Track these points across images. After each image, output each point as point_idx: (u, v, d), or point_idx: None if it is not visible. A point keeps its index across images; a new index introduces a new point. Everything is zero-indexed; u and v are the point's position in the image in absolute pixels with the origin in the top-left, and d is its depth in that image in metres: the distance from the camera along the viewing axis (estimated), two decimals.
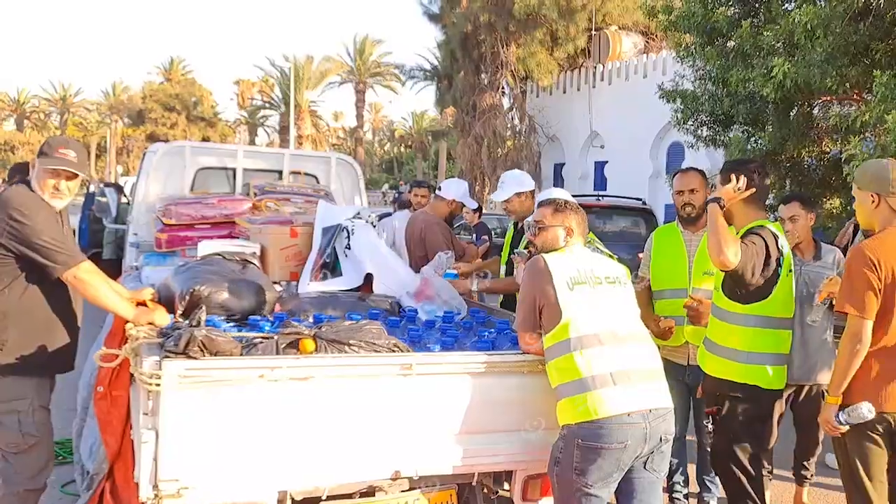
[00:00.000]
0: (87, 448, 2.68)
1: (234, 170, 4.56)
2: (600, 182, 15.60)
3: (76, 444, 2.94)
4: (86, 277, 2.27)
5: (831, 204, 7.16)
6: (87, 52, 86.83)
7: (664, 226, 3.20)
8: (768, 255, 2.34)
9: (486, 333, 2.51)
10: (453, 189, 3.90)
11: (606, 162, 15.65)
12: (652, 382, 2.06)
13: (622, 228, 8.78)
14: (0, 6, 76.18)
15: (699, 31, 6.92)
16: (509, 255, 3.45)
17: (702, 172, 2.99)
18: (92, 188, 8.56)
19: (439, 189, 3.96)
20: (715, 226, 2.33)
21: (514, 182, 3.35)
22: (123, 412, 2.43)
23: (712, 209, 2.39)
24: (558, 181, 16.76)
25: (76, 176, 2.37)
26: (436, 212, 3.88)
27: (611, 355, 2.03)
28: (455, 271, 3.31)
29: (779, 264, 2.37)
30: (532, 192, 3.42)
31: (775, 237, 2.38)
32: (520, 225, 3.43)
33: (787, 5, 6.23)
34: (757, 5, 6.73)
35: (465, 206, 4.05)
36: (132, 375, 2.30)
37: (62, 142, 2.41)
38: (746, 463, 2.44)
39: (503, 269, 3.47)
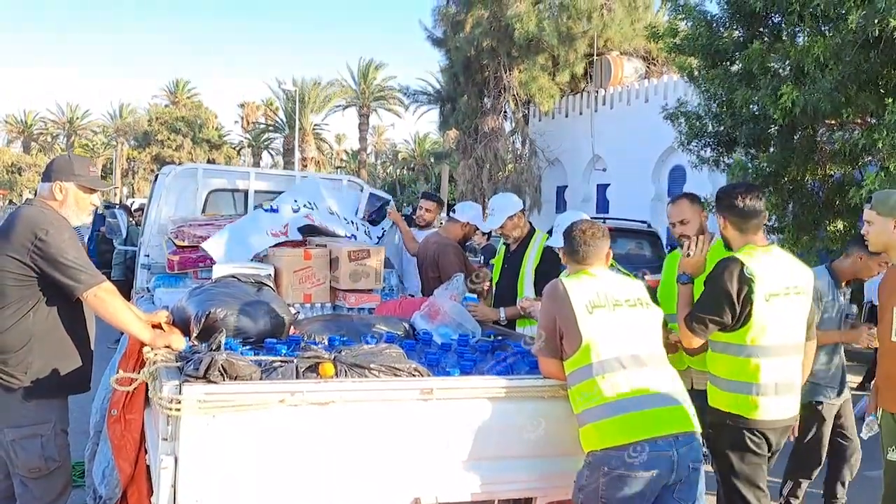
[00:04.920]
0: (99, 472, 2.65)
1: (245, 192, 4.59)
2: (602, 205, 15.68)
3: (88, 468, 2.90)
4: (106, 297, 2.28)
5: (834, 227, 7.18)
6: (94, 74, 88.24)
7: (676, 251, 3.20)
8: (730, 293, 2.27)
9: (505, 357, 2.50)
10: (468, 212, 3.93)
11: (608, 185, 15.74)
12: (675, 406, 2.03)
13: (627, 251, 8.79)
14: (8, 29, 77.75)
15: (704, 54, 7.02)
16: (500, 276, 3.46)
17: (692, 197, 2.92)
18: (100, 209, 8.62)
19: (453, 211, 3.99)
20: (682, 309, 2.41)
21: (503, 207, 3.41)
22: (137, 436, 2.40)
23: (681, 290, 2.46)
24: (560, 204, 16.85)
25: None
26: (449, 234, 3.91)
27: (633, 379, 2.02)
28: (473, 295, 3.32)
29: (750, 292, 2.27)
30: (522, 211, 3.48)
31: (742, 266, 2.30)
32: (512, 247, 3.46)
33: (793, 29, 6.33)
34: (762, 29, 6.83)
35: (478, 228, 4.07)
36: (147, 399, 2.30)
37: (87, 161, 2.47)
38: (751, 496, 2.37)
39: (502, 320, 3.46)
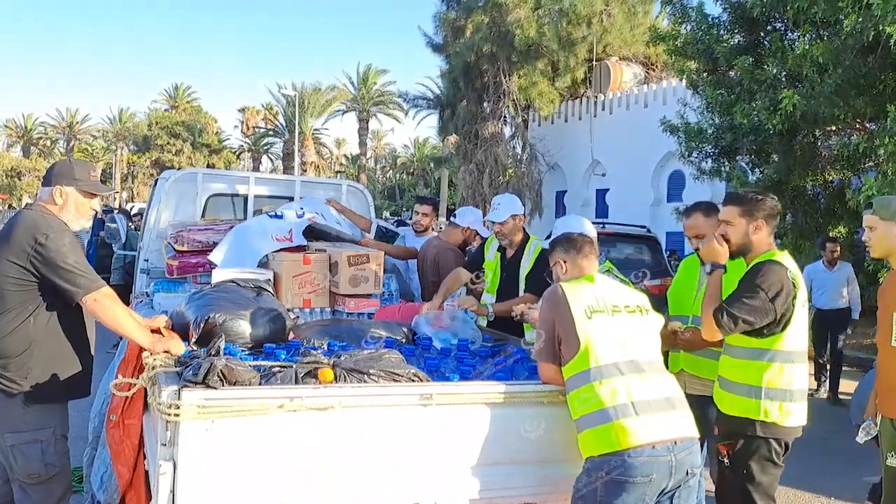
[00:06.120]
0: (97, 478, 2.64)
1: (245, 196, 4.60)
2: (602, 209, 15.70)
3: (86, 474, 2.90)
4: (106, 302, 2.27)
5: (836, 232, 7.21)
6: (94, 78, 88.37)
7: (693, 254, 3.05)
8: (777, 295, 2.25)
9: (504, 362, 2.49)
10: (468, 217, 3.94)
11: (608, 190, 15.78)
12: (674, 411, 2.04)
13: (626, 256, 8.79)
14: (9, 33, 77.98)
15: (704, 58, 7.06)
16: (500, 282, 3.43)
17: (707, 210, 2.82)
18: (99, 213, 8.63)
19: (454, 216, 4.00)
20: (710, 298, 2.36)
21: (510, 205, 3.42)
22: (136, 441, 2.40)
23: (709, 280, 2.41)
24: (560, 209, 16.87)
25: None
26: (450, 238, 3.92)
27: (631, 385, 2.02)
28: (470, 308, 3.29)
29: (794, 297, 2.28)
30: (523, 216, 3.47)
31: (786, 270, 2.30)
32: (509, 252, 3.44)
33: (790, 35, 6.36)
34: (762, 35, 6.87)
35: (478, 233, 4.06)
36: (146, 404, 2.29)
37: (88, 165, 2.46)
38: None
39: (489, 297, 3.44)
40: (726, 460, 2.39)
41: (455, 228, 3.92)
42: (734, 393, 2.37)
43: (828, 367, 6.41)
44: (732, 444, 2.37)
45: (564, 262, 2.28)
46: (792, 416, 2.32)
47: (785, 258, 2.37)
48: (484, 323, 3.30)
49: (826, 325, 6.26)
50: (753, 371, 2.33)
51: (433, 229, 4.41)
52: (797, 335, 2.34)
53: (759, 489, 2.34)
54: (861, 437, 2.71)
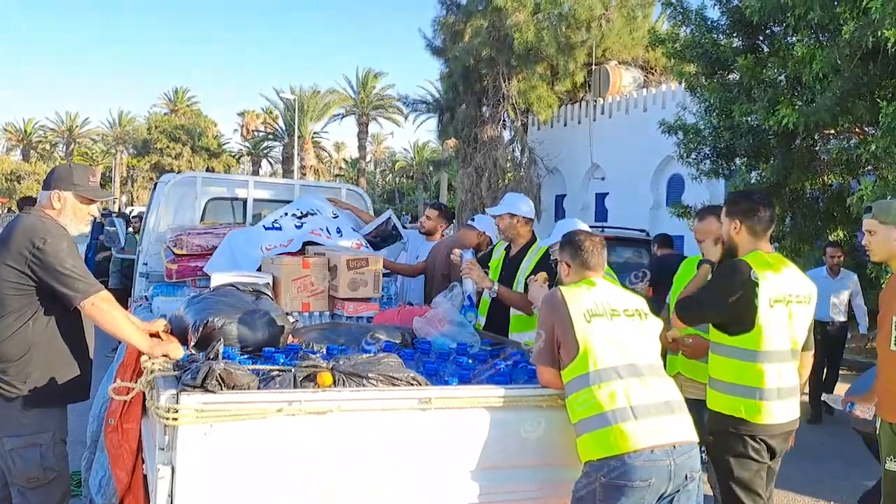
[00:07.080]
0: (96, 482, 2.64)
1: (244, 200, 4.61)
2: (601, 213, 15.72)
3: (85, 478, 2.89)
4: (104, 307, 2.28)
5: (835, 235, 7.22)
6: (94, 82, 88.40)
7: (695, 256, 3.09)
8: (732, 292, 2.30)
9: (503, 365, 2.49)
10: (485, 222, 3.98)
11: (607, 193, 15.79)
12: (673, 416, 2.04)
13: (626, 259, 8.81)
14: (9, 35, 78.07)
15: (704, 61, 7.07)
16: (497, 280, 3.43)
17: (717, 211, 2.82)
18: (98, 217, 8.61)
19: (472, 220, 4.06)
20: (687, 288, 2.49)
21: (512, 203, 3.44)
22: (134, 445, 2.39)
23: (700, 272, 2.55)
24: (559, 212, 16.89)
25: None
26: (464, 239, 3.97)
27: (630, 388, 2.02)
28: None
29: (754, 296, 2.28)
30: (527, 220, 3.44)
31: (749, 270, 2.32)
32: (513, 250, 3.44)
33: (789, 39, 6.37)
34: (761, 38, 6.89)
35: (491, 241, 4.08)
36: (144, 408, 2.29)
37: (88, 170, 2.47)
38: (748, 502, 2.36)
39: (488, 293, 3.45)
40: (704, 455, 2.41)
41: (471, 231, 4.00)
42: (714, 389, 2.43)
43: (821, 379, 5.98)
44: (711, 439, 2.42)
45: (569, 266, 2.28)
46: (763, 413, 2.33)
47: (753, 259, 2.37)
48: (486, 298, 3.30)
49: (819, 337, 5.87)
50: (725, 368, 2.39)
51: (441, 234, 4.45)
52: (772, 334, 2.34)
53: (739, 484, 2.37)
54: (825, 397, 2.81)
